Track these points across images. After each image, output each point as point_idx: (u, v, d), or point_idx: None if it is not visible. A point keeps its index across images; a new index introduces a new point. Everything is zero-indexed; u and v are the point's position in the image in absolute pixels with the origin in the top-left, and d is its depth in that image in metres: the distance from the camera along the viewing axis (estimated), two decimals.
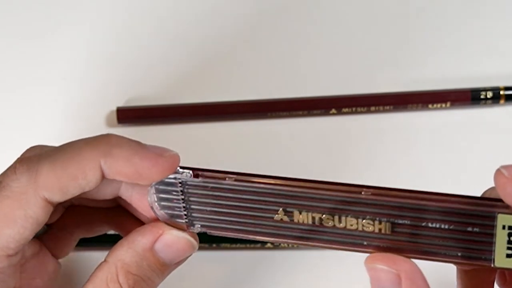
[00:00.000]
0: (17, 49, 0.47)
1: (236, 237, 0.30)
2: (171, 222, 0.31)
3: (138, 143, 0.29)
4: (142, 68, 0.47)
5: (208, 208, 0.30)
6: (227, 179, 0.29)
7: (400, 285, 0.27)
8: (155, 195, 0.30)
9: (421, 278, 0.27)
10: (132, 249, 0.30)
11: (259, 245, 0.43)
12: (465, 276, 0.31)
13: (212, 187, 0.29)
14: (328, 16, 0.47)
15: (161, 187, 0.30)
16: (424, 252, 0.28)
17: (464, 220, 0.27)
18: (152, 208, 0.31)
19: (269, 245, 0.43)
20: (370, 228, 0.28)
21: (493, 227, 0.27)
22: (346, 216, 0.28)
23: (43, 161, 0.29)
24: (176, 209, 0.30)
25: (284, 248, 0.43)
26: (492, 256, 0.27)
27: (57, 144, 0.43)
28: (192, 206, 0.30)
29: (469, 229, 0.27)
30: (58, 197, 0.29)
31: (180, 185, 0.30)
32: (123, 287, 0.29)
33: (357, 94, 0.45)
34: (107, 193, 0.31)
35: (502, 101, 0.45)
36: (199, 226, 0.30)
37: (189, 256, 0.31)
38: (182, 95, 0.46)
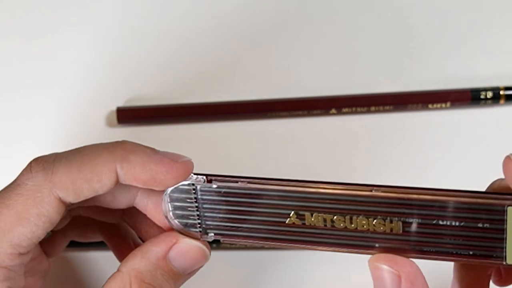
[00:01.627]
0: (18, 50, 0.47)
1: (248, 243, 0.30)
2: (185, 231, 0.31)
3: (152, 149, 0.30)
4: (142, 68, 0.47)
5: (221, 215, 0.30)
6: (239, 182, 0.29)
7: (400, 286, 0.27)
8: (169, 204, 0.30)
9: (422, 280, 0.27)
10: (145, 259, 0.30)
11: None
12: (462, 269, 0.32)
13: (225, 192, 0.30)
14: (328, 16, 0.47)
15: (175, 194, 0.30)
16: (435, 252, 0.28)
17: (474, 216, 0.27)
18: (166, 217, 0.31)
19: None
20: (381, 228, 0.28)
21: (503, 221, 0.26)
22: (357, 217, 0.28)
23: (59, 161, 0.29)
24: (190, 217, 0.30)
25: (284, 248, 0.43)
26: (504, 253, 0.27)
27: (57, 144, 0.43)
28: (206, 214, 0.30)
29: (480, 225, 0.27)
30: (72, 198, 0.29)
31: (194, 191, 0.30)
32: None
33: (357, 94, 0.45)
34: (122, 202, 0.32)
35: (502, 101, 0.45)
36: (213, 234, 0.31)
37: (202, 266, 0.31)
38: (182, 95, 0.46)
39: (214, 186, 0.30)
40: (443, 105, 0.45)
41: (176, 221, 0.31)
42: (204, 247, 0.31)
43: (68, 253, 0.43)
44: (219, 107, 0.46)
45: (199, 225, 0.30)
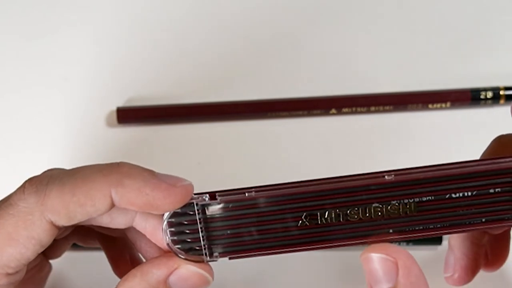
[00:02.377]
0: (18, 50, 0.47)
1: (261, 256, 0.30)
2: (188, 256, 0.30)
3: (150, 172, 0.29)
4: (142, 68, 0.47)
5: (229, 231, 0.29)
6: (247, 194, 0.29)
7: (396, 274, 0.27)
8: (169, 231, 0.29)
9: (417, 267, 0.27)
10: (145, 281, 0.29)
11: None
12: (457, 239, 0.33)
13: (233, 206, 0.29)
14: (328, 16, 0.47)
15: (174, 219, 0.29)
16: (449, 226, 0.28)
17: (485, 183, 0.28)
18: (168, 244, 0.29)
19: None
20: (395, 212, 0.28)
21: None
22: (371, 205, 0.28)
23: (52, 184, 0.29)
24: (194, 240, 0.29)
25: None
26: None
27: (57, 144, 0.43)
28: (212, 233, 0.29)
29: (491, 191, 0.28)
30: (64, 222, 0.29)
31: (197, 212, 0.29)
32: None
33: (357, 94, 0.45)
34: (120, 223, 0.31)
35: (502, 101, 0.45)
36: (218, 254, 0.30)
37: None
38: (182, 95, 0.46)
39: (220, 201, 0.29)
40: (443, 105, 0.45)
41: (177, 247, 0.29)
42: (206, 274, 0.30)
43: (69, 254, 0.43)
44: (219, 107, 0.46)
45: (204, 247, 0.29)
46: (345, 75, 0.46)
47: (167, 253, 0.30)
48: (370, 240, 0.29)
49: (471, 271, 0.34)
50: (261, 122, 0.46)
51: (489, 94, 0.44)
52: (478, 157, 0.44)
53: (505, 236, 0.35)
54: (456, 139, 0.45)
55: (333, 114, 0.45)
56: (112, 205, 0.28)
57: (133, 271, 0.29)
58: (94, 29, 0.47)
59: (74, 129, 0.46)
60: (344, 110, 0.45)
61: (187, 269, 0.29)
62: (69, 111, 0.46)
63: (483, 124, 0.45)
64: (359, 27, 0.47)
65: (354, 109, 0.45)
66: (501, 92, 0.45)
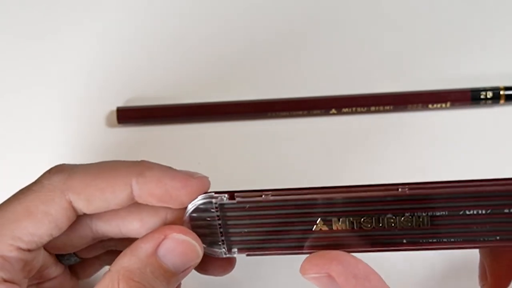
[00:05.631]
0: (18, 50, 0.47)
1: (276, 255, 0.30)
2: (207, 249, 0.31)
3: (168, 167, 0.30)
4: (142, 68, 0.47)
5: (246, 230, 0.30)
6: (263, 196, 0.30)
7: (335, 284, 0.27)
8: (190, 224, 0.31)
9: (353, 266, 0.27)
10: (135, 256, 0.29)
11: None
12: (487, 259, 0.32)
13: (250, 207, 0.30)
14: (328, 16, 0.47)
15: (196, 214, 0.30)
16: (463, 241, 0.28)
17: (500, 202, 0.28)
18: None
19: None
20: (409, 224, 0.28)
21: None
22: (385, 216, 0.29)
23: (77, 169, 0.30)
24: (214, 235, 0.31)
25: None
26: None
27: (57, 144, 0.43)
28: (230, 230, 0.30)
29: (506, 210, 0.28)
30: (83, 204, 0.29)
31: (216, 209, 0.30)
32: None
33: (357, 94, 0.45)
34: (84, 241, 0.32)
35: (502, 101, 0.45)
36: (236, 250, 0.31)
37: (195, 264, 0.31)
38: (182, 95, 0.46)
39: (238, 201, 0.30)
40: (443, 105, 0.45)
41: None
42: (194, 242, 0.30)
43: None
44: (219, 107, 0.46)
45: (222, 242, 0.31)
46: (345, 75, 0.46)
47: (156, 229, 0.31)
48: (384, 249, 0.29)
49: (506, 278, 0.34)
50: (261, 122, 0.46)
51: (489, 94, 0.44)
52: (478, 158, 0.44)
53: None
54: (456, 139, 0.45)
55: (333, 114, 0.45)
56: (132, 197, 0.30)
57: (124, 250, 0.30)
58: (94, 29, 0.47)
59: (74, 129, 0.46)
60: (344, 110, 0.45)
61: (173, 238, 0.30)
62: (69, 111, 0.46)
63: (483, 124, 0.45)
64: (359, 27, 0.47)
65: (354, 109, 0.45)
66: (501, 92, 0.45)
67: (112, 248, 0.35)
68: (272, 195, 0.29)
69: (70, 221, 0.30)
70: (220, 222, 0.30)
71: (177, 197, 0.30)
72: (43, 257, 0.31)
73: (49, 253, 0.32)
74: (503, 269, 0.33)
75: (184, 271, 0.30)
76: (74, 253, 0.34)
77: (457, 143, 0.45)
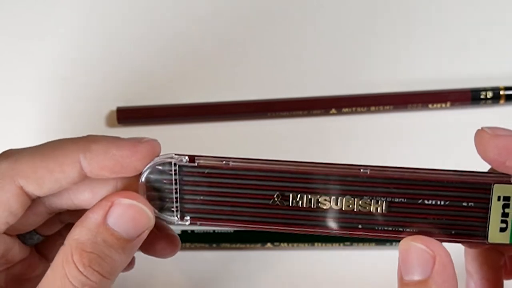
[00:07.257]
0: (17, 50, 0.47)
1: (228, 227, 0.30)
2: (159, 215, 0.30)
3: (115, 137, 0.29)
4: (143, 68, 0.47)
5: (202, 197, 0.29)
6: (224, 162, 0.29)
7: (431, 268, 0.27)
8: (144, 188, 0.29)
9: (453, 267, 0.27)
10: (85, 227, 0.28)
11: (259, 245, 0.43)
12: (474, 264, 0.32)
13: (209, 172, 0.29)
14: (328, 16, 0.47)
15: (153, 176, 0.29)
16: (418, 232, 0.28)
17: (459, 194, 0.27)
18: None
19: (269, 245, 0.43)
20: (366, 208, 0.28)
21: (488, 200, 0.27)
22: (344, 197, 0.28)
23: (23, 152, 0.29)
24: (167, 200, 0.30)
25: (284, 248, 0.43)
26: (486, 232, 0.27)
27: None
28: (185, 196, 0.29)
29: (464, 204, 0.27)
30: (34, 188, 0.29)
31: (174, 172, 0.29)
32: (78, 266, 0.28)
33: (357, 94, 0.45)
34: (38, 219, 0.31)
35: (502, 101, 0.45)
36: (189, 218, 0.30)
37: (148, 228, 0.29)
38: (182, 95, 0.46)
39: (198, 165, 0.29)
40: (443, 105, 0.45)
41: (151, 203, 0.29)
42: (143, 206, 0.29)
43: None
44: (219, 107, 0.46)
45: (176, 209, 0.30)
46: (345, 75, 0.46)
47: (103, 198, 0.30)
48: (338, 232, 0.29)
49: (494, 282, 0.33)
50: (261, 122, 0.46)
51: (489, 94, 0.44)
52: (477, 158, 0.44)
53: None
54: (456, 139, 0.45)
55: (333, 114, 0.45)
56: (83, 173, 0.29)
57: (76, 222, 0.29)
58: (94, 29, 0.47)
59: (74, 129, 0.46)
60: (344, 110, 0.45)
61: (119, 204, 0.29)
62: (69, 111, 0.46)
63: (483, 124, 0.45)
64: (359, 27, 0.47)
65: (354, 109, 0.45)
66: (501, 92, 0.45)
67: (69, 221, 0.34)
68: (233, 162, 0.29)
69: (25, 206, 0.29)
70: (176, 187, 0.29)
71: (129, 165, 0.29)
72: (3, 241, 0.30)
73: (9, 235, 0.31)
74: (493, 282, 0.32)
75: (138, 237, 0.29)
76: (35, 231, 0.33)
77: (457, 143, 0.45)
